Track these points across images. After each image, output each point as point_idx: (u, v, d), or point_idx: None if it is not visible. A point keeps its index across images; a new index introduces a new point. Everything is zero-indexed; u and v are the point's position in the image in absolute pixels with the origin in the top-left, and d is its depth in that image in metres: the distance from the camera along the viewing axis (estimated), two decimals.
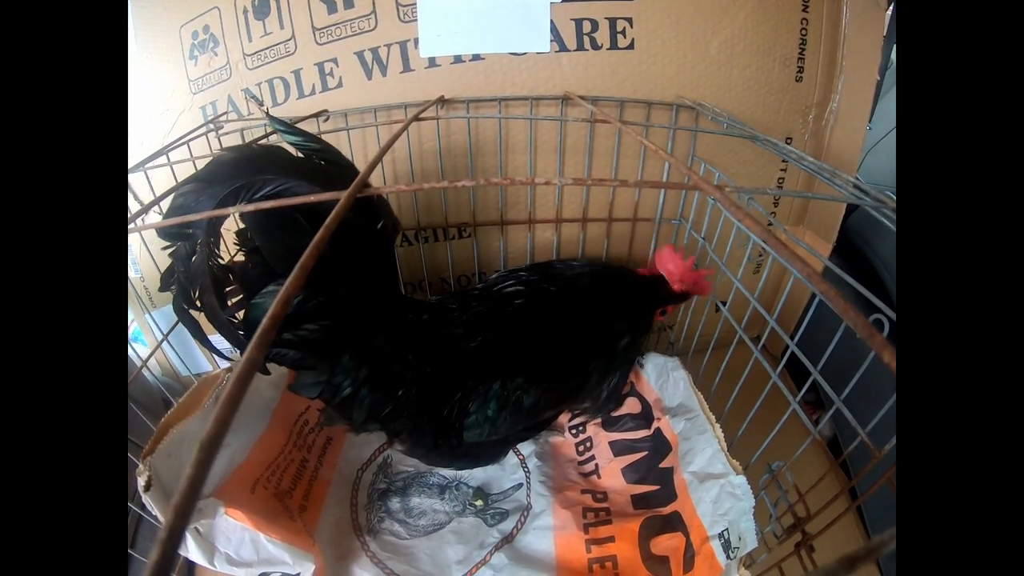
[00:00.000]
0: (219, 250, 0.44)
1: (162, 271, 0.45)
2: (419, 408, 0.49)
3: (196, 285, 0.42)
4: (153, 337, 0.72)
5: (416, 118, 0.39)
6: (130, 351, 0.72)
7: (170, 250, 0.43)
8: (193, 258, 0.42)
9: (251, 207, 0.27)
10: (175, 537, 0.12)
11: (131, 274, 0.69)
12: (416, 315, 0.51)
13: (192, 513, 0.12)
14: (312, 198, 0.26)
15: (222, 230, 0.44)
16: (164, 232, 0.42)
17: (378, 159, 0.27)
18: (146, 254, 0.65)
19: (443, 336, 0.51)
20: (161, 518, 0.44)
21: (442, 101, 0.57)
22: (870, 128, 0.63)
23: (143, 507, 0.46)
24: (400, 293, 0.53)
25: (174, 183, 0.43)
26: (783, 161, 0.65)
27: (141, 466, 0.44)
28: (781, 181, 0.66)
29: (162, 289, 0.46)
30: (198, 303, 0.43)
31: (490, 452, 0.56)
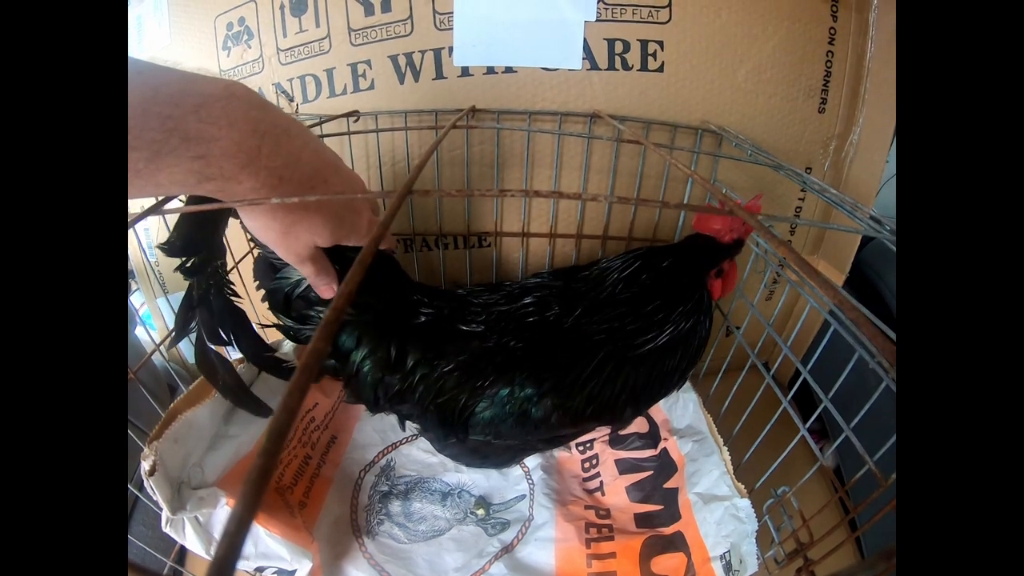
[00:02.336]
0: (228, 273, 0.47)
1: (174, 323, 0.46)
2: (425, 397, 0.49)
3: (227, 326, 0.46)
4: (163, 322, 0.72)
5: (454, 125, 0.39)
6: (141, 335, 0.72)
7: (185, 283, 0.45)
8: (213, 300, 0.45)
9: (296, 199, 0.27)
10: (243, 526, 0.11)
11: (148, 259, 0.69)
12: (430, 304, 0.51)
13: (260, 502, 0.12)
14: (360, 196, 0.26)
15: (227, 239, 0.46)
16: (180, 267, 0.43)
17: (423, 162, 0.28)
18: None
19: (459, 331, 0.50)
20: (163, 503, 0.44)
21: (473, 111, 0.58)
22: (888, 162, 0.64)
23: (141, 488, 0.46)
24: (405, 279, 0.53)
25: None
26: (801, 190, 0.66)
27: (147, 450, 0.44)
28: (799, 209, 0.67)
29: (178, 339, 0.47)
30: (232, 343, 0.47)
31: (501, 456, 0.55)
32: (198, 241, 0.42)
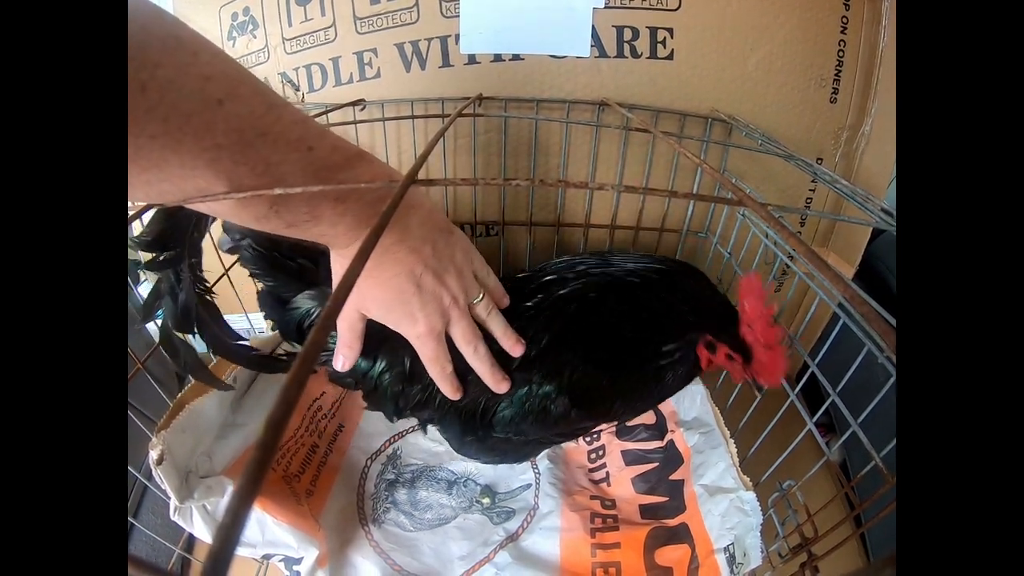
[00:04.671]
0: (202, 271, 0.47)
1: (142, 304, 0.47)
2: (445, 402, 0.48)
3: (191, 318, 0.45)
4: None
5: (460, 114, 0.39)
6: (150, 325, 0.72)
7: (155, 282, 0.45)
8: (180, 293, 0.44)
9: (282, 190, 0.27)
10: (239, 519, 0.11)
11: None
12: None
13: (256, 495, 0.12)
14: (363, 186, 0.26)
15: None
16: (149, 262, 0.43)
17: (427, 152, 0.28)
18: None
19: None
20: (171, 492, 0.44)
21: (480, 99, 0.57)
22: None
23: (149, 477, 0.47)
24: None
25: None
26: (812, 180, 0.65)
27: (155, 439, 0.45)
28: (809, 201, 0.66)
29: (144, 322, 0.47)
30: (197, 334, 0.46)
31: (519, 452, 0.55)
32: (171, 238, 0.42)
